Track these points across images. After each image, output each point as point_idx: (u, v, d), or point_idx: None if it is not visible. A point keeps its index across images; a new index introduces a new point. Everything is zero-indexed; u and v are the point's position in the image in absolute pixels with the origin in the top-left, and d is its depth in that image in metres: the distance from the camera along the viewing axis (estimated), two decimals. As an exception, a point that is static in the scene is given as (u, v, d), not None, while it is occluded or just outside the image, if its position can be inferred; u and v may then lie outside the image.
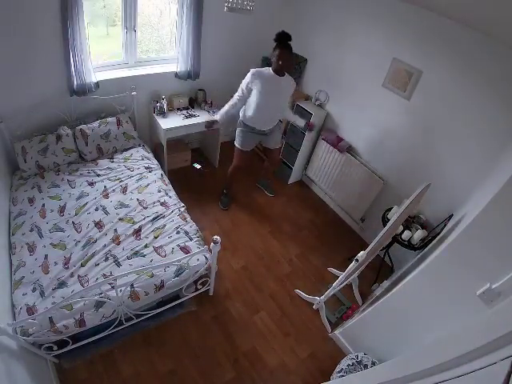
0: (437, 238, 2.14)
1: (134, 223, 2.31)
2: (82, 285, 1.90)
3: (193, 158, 3.64)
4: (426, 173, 2.51)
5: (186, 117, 3.13)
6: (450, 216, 2.26)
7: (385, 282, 2.49)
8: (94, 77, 2.65)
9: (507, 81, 1.92)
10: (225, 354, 2.18)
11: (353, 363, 1.94)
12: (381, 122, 2.81)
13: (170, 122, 3.02)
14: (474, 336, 0.83)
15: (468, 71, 2.11)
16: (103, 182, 2.58)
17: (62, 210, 2.31)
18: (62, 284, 1.89)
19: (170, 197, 2.59)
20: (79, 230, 2.20)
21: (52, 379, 1.81)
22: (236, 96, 2.63)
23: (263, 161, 3.59)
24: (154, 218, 2.36)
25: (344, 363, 1.98)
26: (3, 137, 2.49)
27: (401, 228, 2.42)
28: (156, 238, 2.24)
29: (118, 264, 2.05)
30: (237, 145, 2.89)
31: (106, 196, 2.47)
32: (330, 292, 2.33)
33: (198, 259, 2.12)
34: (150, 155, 2.99)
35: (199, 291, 2.30)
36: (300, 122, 2.95)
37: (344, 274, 2.10)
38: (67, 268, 1.98)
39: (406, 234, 2.38)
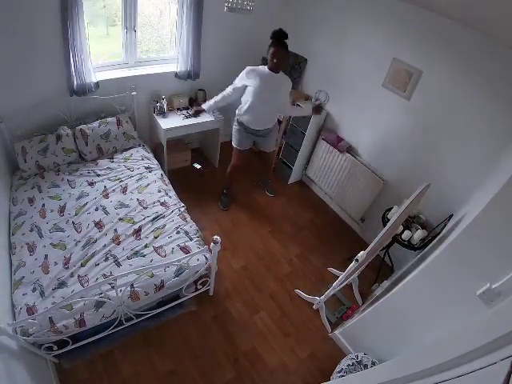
0: (437, 238, 2.14)
1: (134, 223, 2.31)
2: (82, 285, 1.91)
3: (193, 157, 3.64)
4: (426, 173, 2.51)
5: (186, 117, 3.13)
6: (450, 216, 2.26)
7: (385, 281, 2.49)
8: (93, 77, 2.65)
9: (507, 81, 1.92)
10: (225, 354, 2.18)
11: (353, 363, 1.94)
12: (381, 122, 2.81)
13: (170, 122, 3.02)
14: (474, 336, 0.83)
15: (468, 71, 2.11)
16: (103, 182, 2.58)
17: (62, 210, 2.31)
18: (61, 284, 1.90)
19: (170, 197, 2.59)
20: (79, 230, 2.21)
21: (52, 379, 1.81)
22: (228, 89, 2.64)
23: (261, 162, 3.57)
24: (154, 218, 2.36)
25: (344, 363, 1.98)
26: (3, 137, 2.49)
27: (401, 228, 2.42)
28: (156, 238, 2.25)
29: (118, 264, 2.05)
30: (233, 144, 2.90)
31: (106, 196, 2.47)
32: (330, 292, 2.33)
33: (198, 259, 2.12)
34: (150, 155, 2.99)
35: (199, 291, 2.30)
36: (307, 109, 2.92)
37: (344, 274, 2.10)
38: (67, 268, 1.98)
39: (406, 234, 2.38)
